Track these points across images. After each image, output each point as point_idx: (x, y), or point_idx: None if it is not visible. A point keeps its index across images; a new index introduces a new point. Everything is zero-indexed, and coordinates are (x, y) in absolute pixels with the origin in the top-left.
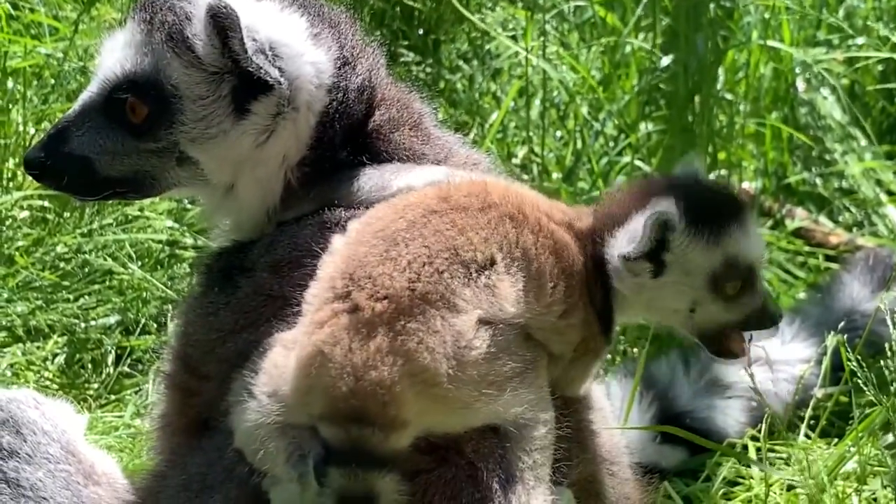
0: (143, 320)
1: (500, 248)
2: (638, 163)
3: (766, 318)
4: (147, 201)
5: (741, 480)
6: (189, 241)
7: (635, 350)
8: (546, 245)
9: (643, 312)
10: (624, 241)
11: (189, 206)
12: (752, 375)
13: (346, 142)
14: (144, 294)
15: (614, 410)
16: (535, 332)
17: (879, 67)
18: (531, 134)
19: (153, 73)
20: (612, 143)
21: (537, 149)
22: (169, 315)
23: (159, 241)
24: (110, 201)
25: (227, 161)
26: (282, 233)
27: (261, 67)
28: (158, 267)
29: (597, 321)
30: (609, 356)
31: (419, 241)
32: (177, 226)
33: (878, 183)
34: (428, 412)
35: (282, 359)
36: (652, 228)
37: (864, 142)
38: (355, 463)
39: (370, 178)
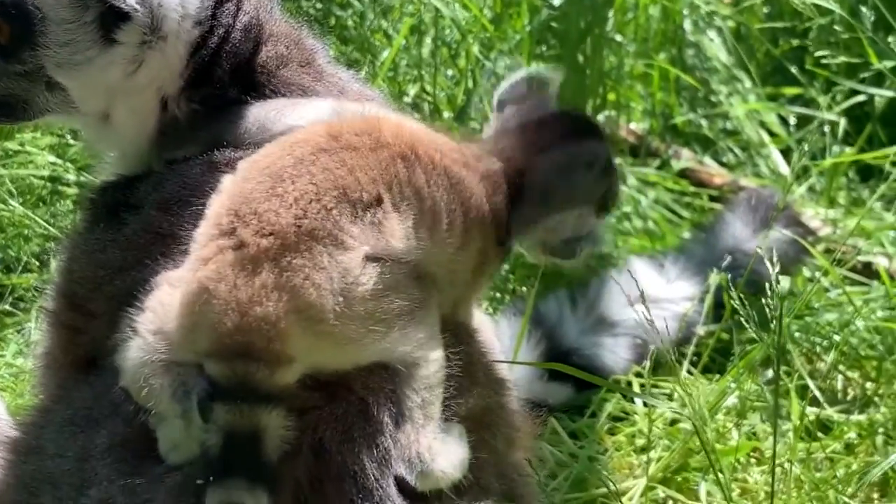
0: (24, 258)
1: (388, 189)
2: None
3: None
4: (28, 136)
5: (625, 416)
6: (72, 177)
7: (524, 289)
8: (440, 183)
9: (537, 234)
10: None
11: (72, 141)
12: (650, 322)
13: (235, 80)
14: (26, 231)
15: (503, 348)
16: (431, 265)
17: (765, 9)
18: (423, 72)
19: None
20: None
21: (429, 87)
22: (52, 252)
23: (41, 177)
24: None
25: (96, 89)
26: (171, 171)
27: None
28: (40, 203)
29: (494, 245)
30: (499, 295)
31: (307, 178)
32: (59, 161)
33: (762, 124)
34: (314, 348)
35: (167, 297)
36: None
37: (748, 84)
38: (241, 399)
39: (256, 116)
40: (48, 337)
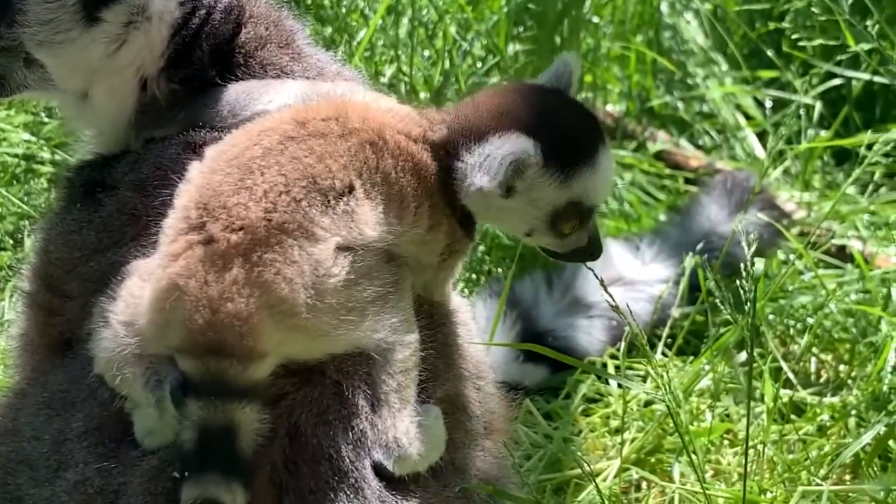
0: None
1: (359, 175)
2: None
3: (587, 256)
4: (2, 113)
5: (600, 397)
6: (46, 155)
7: (499, 270)
8: (406, 167)
9: (487, 222)
10: (478, 168)
11: (46, 119)
12: (616, 308)
13: (214, 61)
14: (0, 210)
15: (479, 330)
16: (400, 249)
17: None
18: (399, 53)
19: None
20: (480, 64)
21: (405, 68)
22: (26, 231)
23: (15, 155)
24: None
25: (76, 68)
26: (147, 151)
27: None
28: (14, 182)
29: (459, 226)
30: (475, 276)
31: (275, 168)
32: (33, 139)
33: (738, 107)
34: (288, 342)
35: (138, 289)
36: (509, 169)
37: (724, 66)
38: (214, 395)
39: (228, 99)
40: (24, 318)
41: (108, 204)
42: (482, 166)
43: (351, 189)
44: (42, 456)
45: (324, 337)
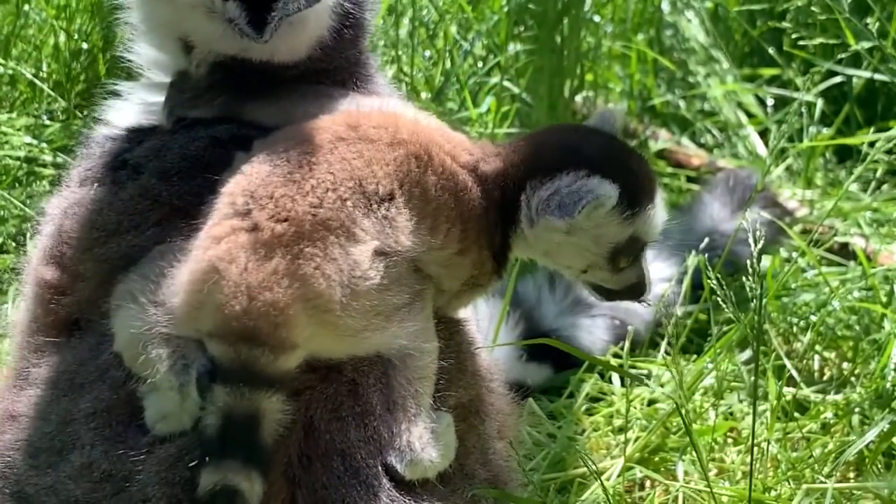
0: (1, 239)
1: (401, 186)
2: (507, 83)
3: (637, 293)
4: (3, 117)
5: (603, 396)
6: (48, 158)
7: None
8: (446, 188)
9: (537, 257)
10: (548, 203)
11: (48, 122)
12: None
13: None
14: (2, 213)
15: (481, 330)
16: (425, 266)
17: None
18: (400, 53)
19: None
20: (480, 64)
21: (406, 68)
22: (28, 234)
23: (17, 158)
24: None
25: None
26: (173, 140)
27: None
28: (16, 185)
29: (490, 261)
30: None
31: (325, 166)
32: (35, 142)
33: (739, 105)
34: (317, 337)
35: (173, 269)
36: (585, 208)
37: (726, 65)
38: (242, 382)
39: (281, 102)
40: (30, 297)
41: (130, 187)
42: (553, 201)
43: (392, 197)
44: (46, 436)
45: (351, 337)
